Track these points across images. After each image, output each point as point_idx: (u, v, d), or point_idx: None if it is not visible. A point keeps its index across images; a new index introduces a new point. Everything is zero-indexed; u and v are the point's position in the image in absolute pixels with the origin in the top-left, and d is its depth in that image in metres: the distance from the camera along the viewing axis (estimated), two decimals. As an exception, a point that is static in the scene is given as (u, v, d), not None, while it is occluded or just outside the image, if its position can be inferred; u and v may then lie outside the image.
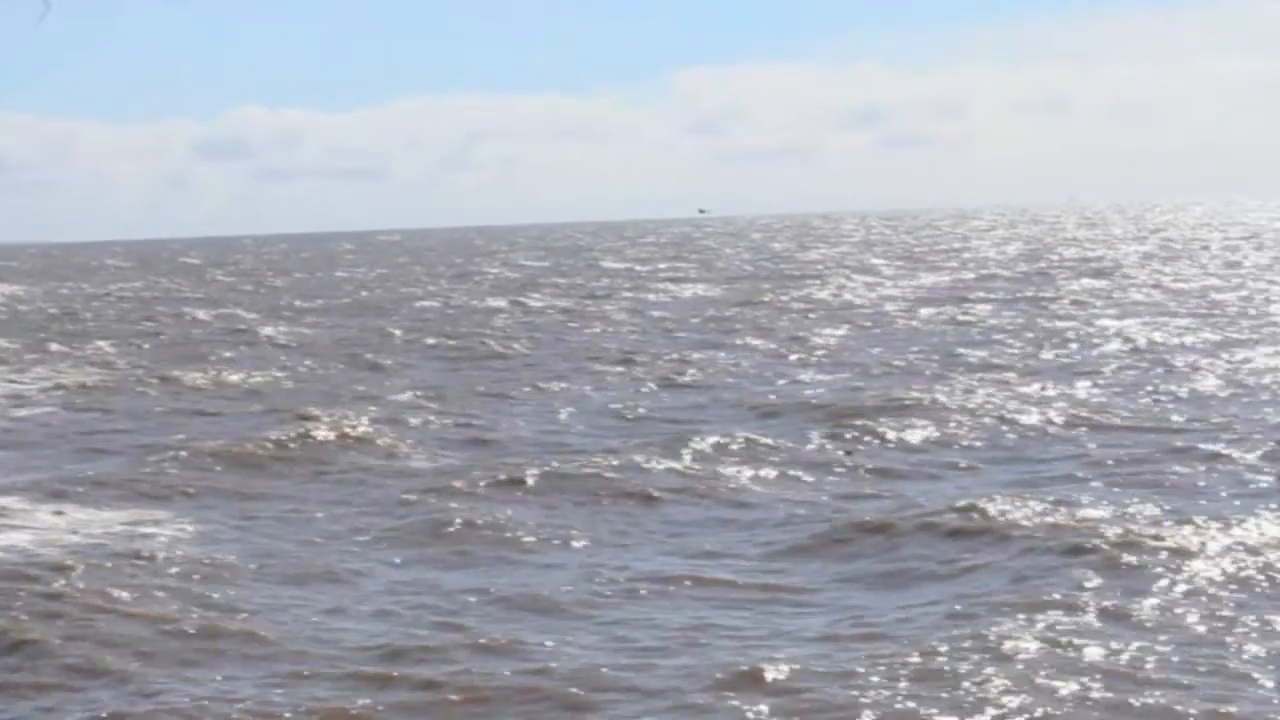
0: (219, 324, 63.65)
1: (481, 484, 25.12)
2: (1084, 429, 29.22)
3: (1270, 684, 14.71)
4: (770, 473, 26.16)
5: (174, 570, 19.85)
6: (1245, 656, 15.50)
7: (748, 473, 26.12)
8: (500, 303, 71.38)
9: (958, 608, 17.37)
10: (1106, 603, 17.19)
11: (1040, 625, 16.38)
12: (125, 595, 18.53)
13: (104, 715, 14.67)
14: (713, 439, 28.43)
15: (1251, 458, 25.44)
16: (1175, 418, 30.24)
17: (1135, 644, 15.86)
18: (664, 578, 19.34)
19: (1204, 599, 17.48)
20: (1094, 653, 15.49)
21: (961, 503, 22.00)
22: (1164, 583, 17.98)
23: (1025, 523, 20.65)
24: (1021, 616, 16.65)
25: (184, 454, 28.10)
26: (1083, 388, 35.07)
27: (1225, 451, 25.92)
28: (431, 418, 33.12)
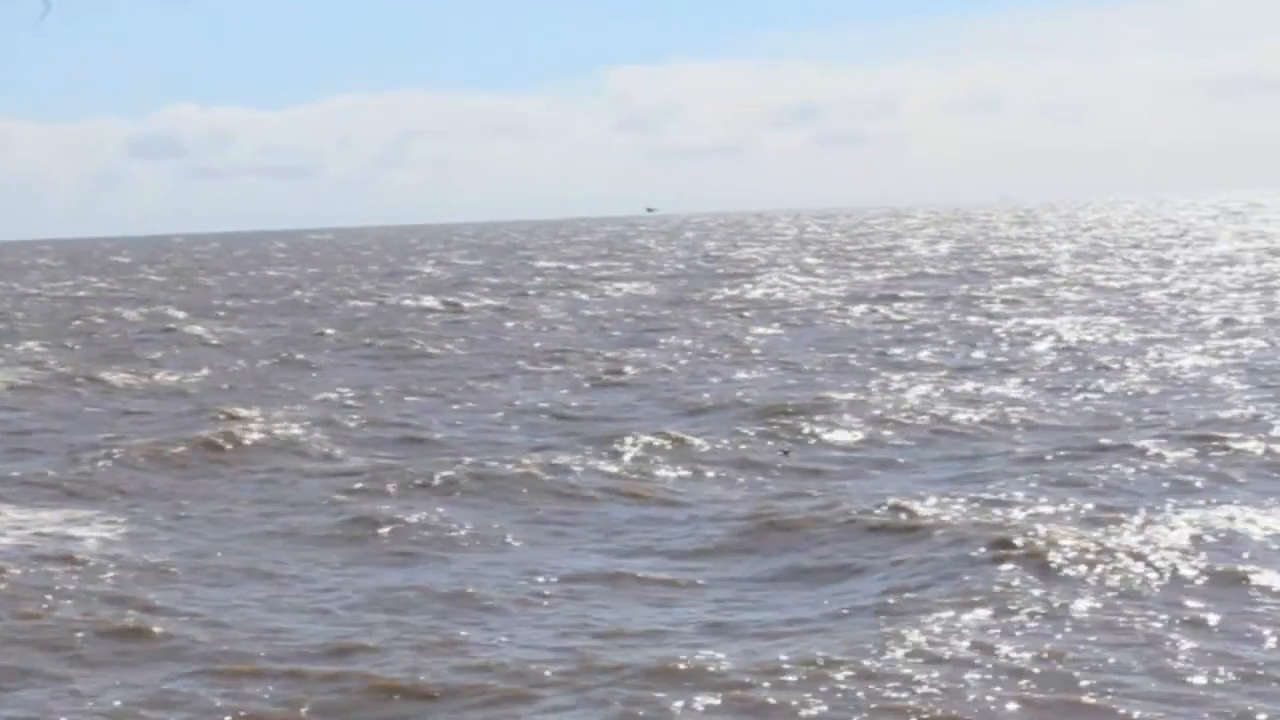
0: (150, 323, 63.28)
1: (416, 483, 25.13)
2: (1015, 427, 29.40)
3: (1203, 682, 14.85)
4: (704, 471, 26.26)
5: (107, 572, 19.80)
6: (1180, 656, 15.61)
7: (681, 471, 26.21)
8: (433, 302, 71.23)
9: (889, 602, 17.49)
10: (1036, 601, 17.33)
11: (970, 623, 16.50)
12: (58, 597, 18.47)
13: (38, 718, 14.63)
14: (646, 438, 28.51)
15: (1180, 455, 25.63)
16: (1105, 415, 30.46)
17: (1066, 643, 16.01)
18: (599, 576, 19.44)
19: (1135, 597, 17.63)
20: (1025, 652, 15.62)
21: (892, 500, 22.15)
22: (1094, 581, 18.13)
23: (955, 520, 20.78)
24: (951, 614, 16.76)
25: (115, 454, 27.98)
26: (1014, 386, 35.28)
27: (1155, 449, 26.09)
28: (364, 417, 33.08)
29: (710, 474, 26.13)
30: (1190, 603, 17.35)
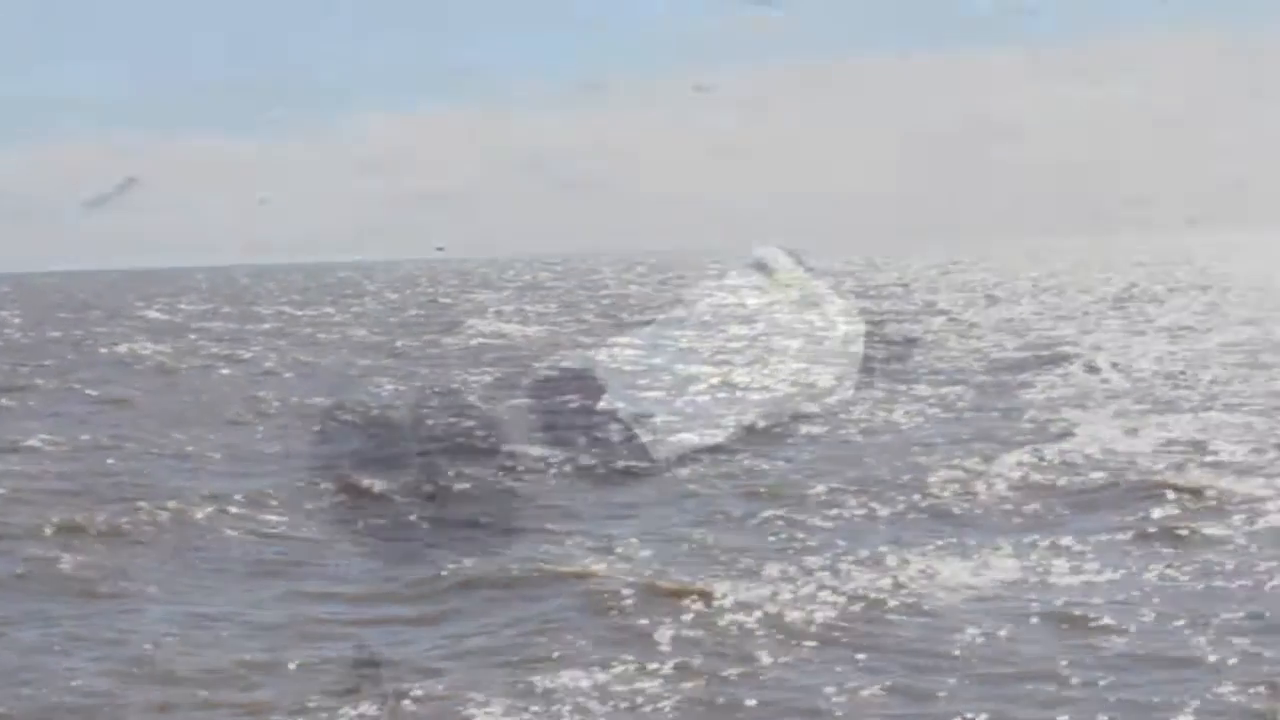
0: None
1: (111, 532, 24.94)
2: (708, 480, 29.61)
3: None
4: (408, 517, 26.40)
5: None
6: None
7: (381, 520, 26.33)
8: (150, 348, 70.07)
9: (531, 652, 17.81)
10: (700, 650, 17.76)
11: (616, 676, 16.93)
12: None
13: None
14: (354, 485, 28.76)
15: (871, 506, 26.08)
16: (806, 467, 30.80)
17: (712, 695, 16.45)
18: (288, 620, 19.67)
19: (790, 650, 17.89)
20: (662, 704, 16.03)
21: (541, 554, 22.62)
22: (749, 634, 18.41)
23: (619, 572, 21.19)
24: (595, 669, 17.10)
25: None
26: (712, 436, 35.40)
27: (846, 500, 26.51)
28: (64, 466, 32.63)
29: (412, 519, 26.26)
30: (859, 654, 17.67)
